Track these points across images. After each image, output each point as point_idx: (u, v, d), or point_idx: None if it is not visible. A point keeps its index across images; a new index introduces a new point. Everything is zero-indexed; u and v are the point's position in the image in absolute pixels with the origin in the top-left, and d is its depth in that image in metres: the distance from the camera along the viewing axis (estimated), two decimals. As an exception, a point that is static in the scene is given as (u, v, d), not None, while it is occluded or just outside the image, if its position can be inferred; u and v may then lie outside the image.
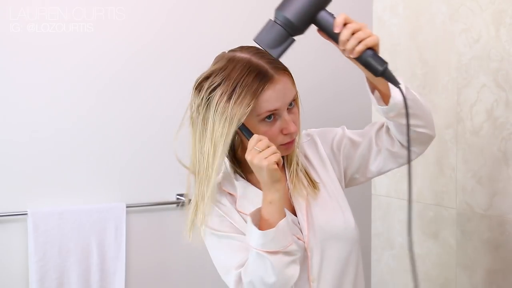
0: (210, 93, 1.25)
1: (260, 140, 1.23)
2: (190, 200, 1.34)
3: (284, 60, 1.26)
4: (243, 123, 1.25)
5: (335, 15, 1.19)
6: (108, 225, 1.97)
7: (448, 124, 2.07)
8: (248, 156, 1.23)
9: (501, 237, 1.90)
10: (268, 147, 1.22)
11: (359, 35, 1.15)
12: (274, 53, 1.19)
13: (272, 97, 1.24)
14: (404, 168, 1.45)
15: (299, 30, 1.19)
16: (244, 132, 1.27)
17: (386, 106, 1.26)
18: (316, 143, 1.44)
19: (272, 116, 1.26)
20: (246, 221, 1.30)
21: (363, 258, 1.49)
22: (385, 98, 1.27)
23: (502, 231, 1.90)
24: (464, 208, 2.03)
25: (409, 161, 1.17)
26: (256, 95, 1.23)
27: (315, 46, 2.15)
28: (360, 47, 1.15)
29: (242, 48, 1.31)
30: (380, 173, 1.43)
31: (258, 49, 1.28)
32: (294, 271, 1.25)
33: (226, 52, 1.32)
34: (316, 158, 1.42)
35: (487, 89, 1.92)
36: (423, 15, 2.16)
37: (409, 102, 1.24)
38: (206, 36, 2.11)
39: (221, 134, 1.24)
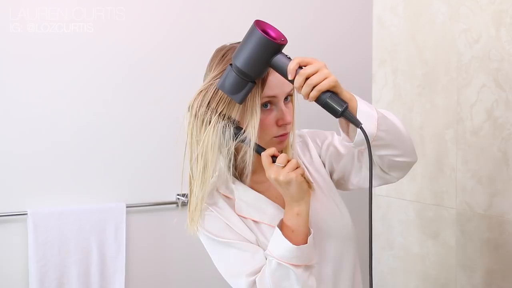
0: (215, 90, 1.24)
1: (273, 155, 1.23)
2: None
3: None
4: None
5: (291, 58, 1.16)
6: (108, 225, 1.97)
7: (448, 124, 2.07)
8: (272, 174, 1.21)
9: (501, 237, 1.90)
10: (288, 161, 1.22)
11: (312, 81, 1.13)
12: (235, 98, 1.20)
13: (272, 82, 1.24)
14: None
15: (255, 77, 1.19)
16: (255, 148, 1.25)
17: (355, 142, 1.21)
18: (307, 143, 1.44)
19: (268, 104, 1.26)
20: (246, 225, 1.30)
21: (363, 258, 1.49)
22: None
23: (502, 231, 1.90)
24: (464, 208, 2.03)
25: (370, 192, 1.15)
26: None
27: (317, 48, 2.16)
28: (314, 93, 1.14)
29: None
30: (360, 188, 1.41)
31: None
32: (313, 282, 1.26)
33: (228, 44, 1.32)
34: (308, 159, 1.43)
35: (487, 89, 1.92)
36: (423, 15, 2.16)
37: (381, 134, 1.19)
38: (206, 35, 2.11)
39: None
